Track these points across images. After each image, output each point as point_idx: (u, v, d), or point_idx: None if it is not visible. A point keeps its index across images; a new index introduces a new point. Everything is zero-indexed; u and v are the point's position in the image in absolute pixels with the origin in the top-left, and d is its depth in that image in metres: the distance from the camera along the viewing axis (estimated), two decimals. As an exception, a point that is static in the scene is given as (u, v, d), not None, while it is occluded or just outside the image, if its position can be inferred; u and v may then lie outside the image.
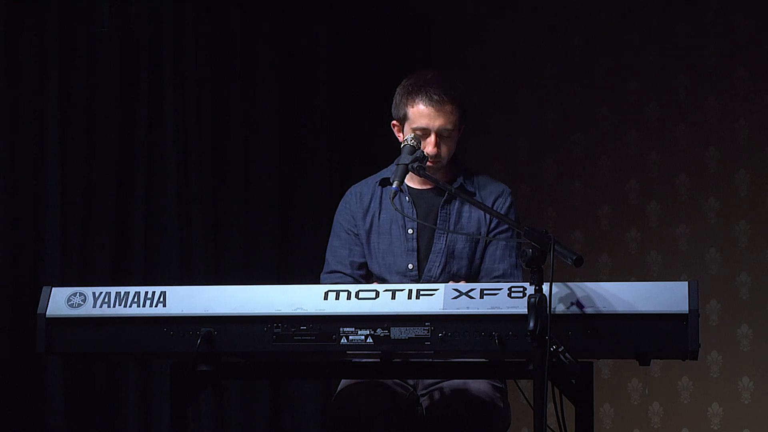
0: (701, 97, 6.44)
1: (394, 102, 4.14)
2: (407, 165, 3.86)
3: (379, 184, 4.20)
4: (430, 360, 3.70)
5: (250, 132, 6.50)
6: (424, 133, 4.05)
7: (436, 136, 4.05)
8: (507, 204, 4.17)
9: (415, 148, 3.93)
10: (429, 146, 4.03)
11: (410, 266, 4.11)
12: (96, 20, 5.87)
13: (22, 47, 5.64)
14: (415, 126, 4.05)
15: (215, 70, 6.37)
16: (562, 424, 3.44)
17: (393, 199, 3.83)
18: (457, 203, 4.13)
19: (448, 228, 4.11)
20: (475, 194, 4.15)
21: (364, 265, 4.19)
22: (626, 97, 6.63)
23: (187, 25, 6.24)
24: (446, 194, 4.10)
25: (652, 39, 6.57)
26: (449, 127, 4.05)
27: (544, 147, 6.84)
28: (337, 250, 4.20)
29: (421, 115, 4.05)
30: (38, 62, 5.69)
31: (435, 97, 4.04)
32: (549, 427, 3.35)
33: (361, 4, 6.94)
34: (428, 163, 4.01)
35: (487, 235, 4.13)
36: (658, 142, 6.55)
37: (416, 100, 4.06)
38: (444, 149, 4.07)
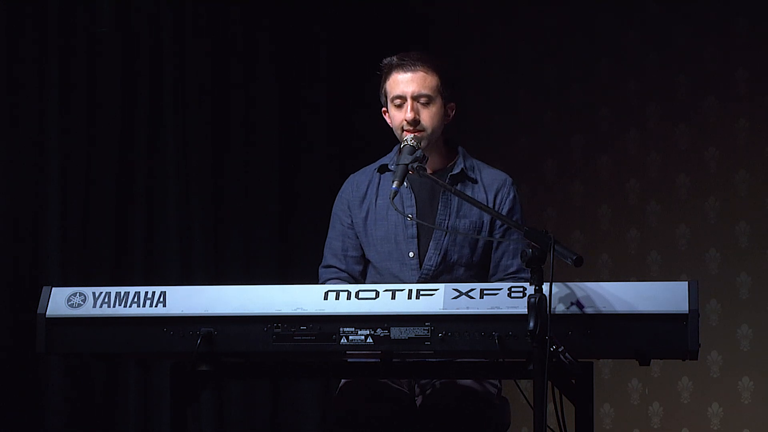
0: (701, 97, 6.44)
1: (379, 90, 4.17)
2: (407, 165, 3.85)
3: (378, 171, 4.22)
4: (430, 360, 3.71)
5: (250, 131, 6.50)
6: (402, 101, 4.08)
7: (413, 100, 4.06)
8: (511, 196, 4.18)
9: (416, 148, 3.93)
10: (406, 112, 4.05)
11: (411, 254, 4.11)
12: (96, 20, 5.88)
13: (22, 47, 5.65)
14: (392, 96, 4.10)
15: (215, 70, 6.37)
16: (562, 424, 3.44)
17: (393, 199, 3.82)
18: (458, 188, 4.11)
19: (449, 215, 4.12)
20: (476, 181, 4.16)
21: (360, 259, 4.19)
22: (626, 97, 6.62)
23: (187, 23, 6.25)
24: (447, 180, 4.10)
25: (652, 39, 6.57)
26: (425, 92, 4.07)
27: (544, 147, 6.84)
28: (332, 241, 4.22)
29: (395, 83, 4.10)
30: (38, 62, 5.69)
31: (406, 62, 4.09)
32: (549, 427, 3.35)
33: (360, 4, 6.94)
34: (412, 132, 4.02)
35: (490, 230, 4.13)
36: (658, 142, 6.54)
37: (391, 73, 4.12)
38: (425, 116, 4.07)
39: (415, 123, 4.05)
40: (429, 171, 4.09)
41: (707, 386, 6.32)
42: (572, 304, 3.43)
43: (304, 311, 3.52)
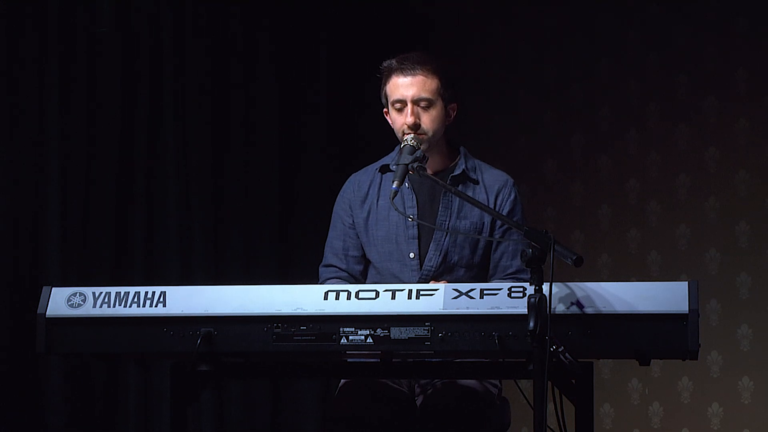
0: (701, 97, 6.44)
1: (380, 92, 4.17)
2: (407, 165, 3.85)
3: (379, 171, 4.21)
4: (430, 360, 3.71)
5: (250, 131, 6.50)
6: (402, 105, 4.06)
7: (413, 104, 4.05)
8: (512, 197, 4.17)
9: (416, 148, 3.93)
10: (407, 116, 4.04)
11: (412, 255, 4.10)
12: (96, 20, 5.88)
13: (22, 48, 5.65)
14: (393, 100, 4.08)
15: (215, 69, 6.37)
16: (562, 424, 3.44)
17: (393, 199, 3.82)
18: (459, 189, 4.11)
19: (450, 215, 4.11)
20: (478, 182, 4.15)
21: (360, 259, 4.19)
22: (626, 97, 6.63)
23: (187, 23, 6.25)
24: (448, 180, 4.10)
25: (652, 39, 6.57)
26: (425, 95, 4.06)
27: (544, 147, 6.83)
28: (333, 240, 4.21)
29: (396, 87, 4.08)
30: (38, 62, 5.69)
31: (405, 66, 4.07)
32: (549, 427, 3.35)
33: (361, 4, 6.94)
34: (414, 135, 4.01)
35: (490, 231, 4.12)
36: (658, 142, 6.55)
37: (391, 76, 4.09)
38: (426, 120, 4.05)
39: (416, 127, 4.04)
40: (430, 172, 4.08)
41: (707, 386, 6.32)
42: (572, 304, 3.43)
43: (304, 311, 3.52)
